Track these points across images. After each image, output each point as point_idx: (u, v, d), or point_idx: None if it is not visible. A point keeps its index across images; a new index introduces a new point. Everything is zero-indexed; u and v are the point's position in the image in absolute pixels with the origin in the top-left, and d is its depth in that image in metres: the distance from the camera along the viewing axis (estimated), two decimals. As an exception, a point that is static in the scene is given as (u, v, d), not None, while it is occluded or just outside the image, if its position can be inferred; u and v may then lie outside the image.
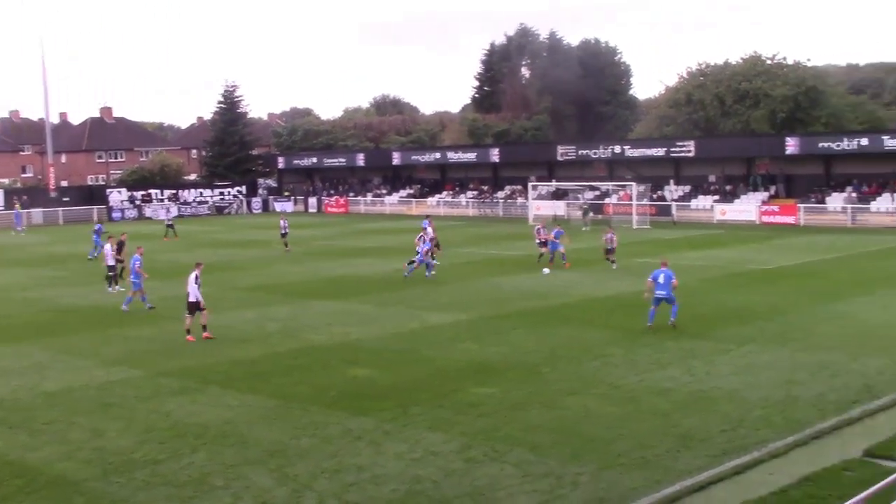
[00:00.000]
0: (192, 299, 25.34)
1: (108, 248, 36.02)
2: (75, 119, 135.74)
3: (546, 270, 38.39)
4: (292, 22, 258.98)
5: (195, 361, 22.93)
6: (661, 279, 25.69)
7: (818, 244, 48.60)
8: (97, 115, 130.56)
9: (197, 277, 25.62)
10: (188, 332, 25.55)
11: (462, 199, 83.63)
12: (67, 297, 34.73)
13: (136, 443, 16.45)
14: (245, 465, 15.20)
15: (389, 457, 15.44)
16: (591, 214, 65.99)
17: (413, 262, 37.36)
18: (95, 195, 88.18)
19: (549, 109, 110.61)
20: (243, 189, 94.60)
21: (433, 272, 37.60)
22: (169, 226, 61.12)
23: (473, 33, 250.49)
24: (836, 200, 64.03)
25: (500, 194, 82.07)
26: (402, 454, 15.53)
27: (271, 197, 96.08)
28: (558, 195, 74.98)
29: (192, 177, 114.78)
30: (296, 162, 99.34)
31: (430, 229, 40.13)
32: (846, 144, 63.20)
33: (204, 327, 25.59)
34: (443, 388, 19.79)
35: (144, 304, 31.03)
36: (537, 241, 40.77)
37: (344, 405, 18.55)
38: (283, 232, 50.75)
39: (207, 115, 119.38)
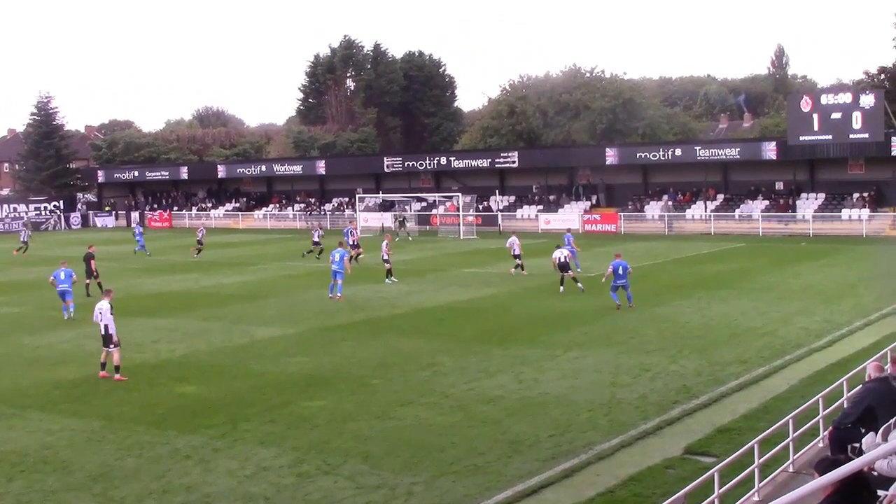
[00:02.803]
0: (102, 332, 22.20)
1: None
2: None
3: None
4: (107, 30, 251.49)
5: (8, 385, 21.88)
6: (620, 270, 30.20)
7: (638, 251, 50.28)
8: None
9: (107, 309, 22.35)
10: (103, 366, 22.24)
11: (289, 211, 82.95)
12: None
13: (-53, 472, 15.58)
14: (67, 491, 14.60)
15: (220, 474, 15.12)
16: (407, 225, 66.56)
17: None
18: None
19: (374, 121, 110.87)
20: (60, 204, 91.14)
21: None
22: (24, 243, 59.08)
23: (297, 44, 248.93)
24: (653, 209, 66.53)
25: (328, 206, 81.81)
26: (232, 471, 15.24)
27: (91, 212, 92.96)
28: (386, 207, 75.28)
29: (5, 191, 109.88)
30: (117, 175, 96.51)
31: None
32: (662, 154, 65.85)
33: (114, 367, 22.06)
34: (273, 402, 19.53)
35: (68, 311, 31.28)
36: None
37: (171, 423, 18.07)
38: (200, 239, 53.70)
39: (20, 127, 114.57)
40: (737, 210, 63.22)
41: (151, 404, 19.68)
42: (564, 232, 45.28)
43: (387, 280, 38.70)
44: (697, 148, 66.05)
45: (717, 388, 19.70)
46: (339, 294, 34.40)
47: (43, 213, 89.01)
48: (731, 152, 63.78)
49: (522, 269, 40.28)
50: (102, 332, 22.19)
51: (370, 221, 71.26)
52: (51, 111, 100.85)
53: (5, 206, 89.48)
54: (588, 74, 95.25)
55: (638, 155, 67.73)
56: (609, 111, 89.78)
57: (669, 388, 19.83)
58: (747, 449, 12.14)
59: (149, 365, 23.68)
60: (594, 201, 70.82)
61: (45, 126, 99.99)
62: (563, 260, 35.31)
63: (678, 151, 65.86)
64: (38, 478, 15.27)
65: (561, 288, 35.03)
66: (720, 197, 65.70)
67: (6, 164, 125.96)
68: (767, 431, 13.00)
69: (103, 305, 22.54)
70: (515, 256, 40.61)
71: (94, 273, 36.93)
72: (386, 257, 39.31)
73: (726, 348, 23.74)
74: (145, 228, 68.67)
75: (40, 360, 24.61)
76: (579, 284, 34.68)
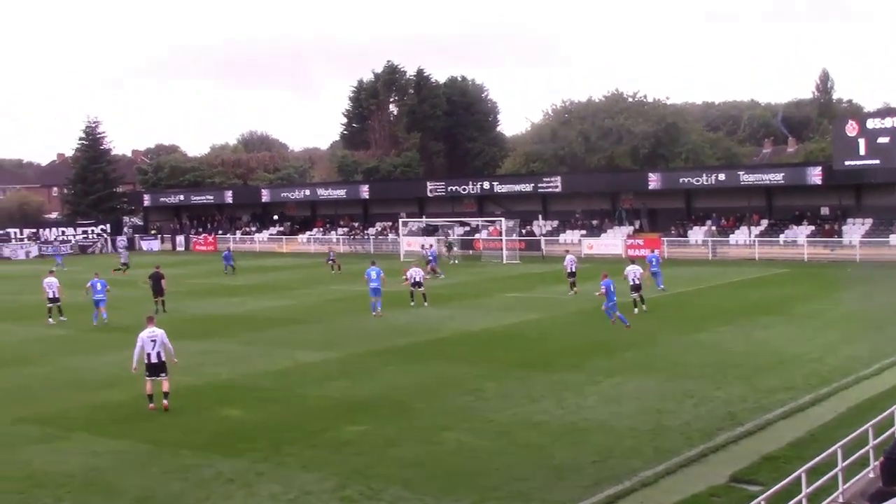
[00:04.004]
0: (155, 360, 21.43)
1: (52, 280, 37.68)
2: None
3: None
4: (152, 58, 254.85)
5: (56, 407, 22.12)
6: (612, 288, 31.50)
7: (681, 276, 49.91)
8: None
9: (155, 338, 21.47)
10: (151, 398, 21.41)
11: (332, 235, 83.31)
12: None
13: (-6, 494, 15.77)
14: (112, 513, 14.72)
15: (263, 498, 15.16)
16: (455, 249, 66.60)
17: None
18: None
19: (417, 146, 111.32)
20: (107, 227, 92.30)
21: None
22: (124, 264, 61.32)
23: (341, 70, 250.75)
24: (696, 234, 66.08)
25: (371, 231, 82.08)
26: (276, 495, 15.26)
27: (137, 235, 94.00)
28: (429, 231, 75.39)
29: (54, 215, 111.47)
30: (162, 199, 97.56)
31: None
32: (705, 179, 65.39)
33: (164, 393, 21.50)
34: (316, 426, 19.57)
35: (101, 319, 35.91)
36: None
37: (215, 447, 18.16)
38: (331, 258, 59.58)
39: (69, 152, 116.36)
40: (781, 235, 62.61)
41: (195, 428, 19.81)
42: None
43: (425, 304, 39.04)
44: (741, 173, 65.52)
45: (763, 415, 19.46)
46: (379, 310, 36.32)
47: (90, 236, 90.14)
48: (776, 177, 63.25)
49: (574, 287, 41.62)
50: (155, 361, 21.31)
51: (413, 246, 71.23)
52: (98, 136, 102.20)
53: (54, 229, 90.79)
54: (630, 99, 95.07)
55: (681, 180, 67.37)
56: (652, 136, 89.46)
57: (714, 414, 19.63)
58: (794, 478, 11.97)
59: (192, 388, 23.81)
60: (637, 226, 70.52)
61: (92, 150, 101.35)
62: (636, 281, 35.30)
63: (721, 176, 65.42)
64: (83, 499, 15.41)
65: (636, 309, 35.10)
66: (764, 222, 65.11)
67: (55, 188, 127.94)
68: (815, 460, 12.81)
69: (162, 332, 21.76)
70: (570, 274, 41.88)
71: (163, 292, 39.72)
72: (419, 280, 39.54)
73: (771, 375, 23.47)
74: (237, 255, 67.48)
75: (86, 383, 24.87)
76: (636, 309, 34.91)
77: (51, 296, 37.15)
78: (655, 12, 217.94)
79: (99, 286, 36.32)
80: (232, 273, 58.32)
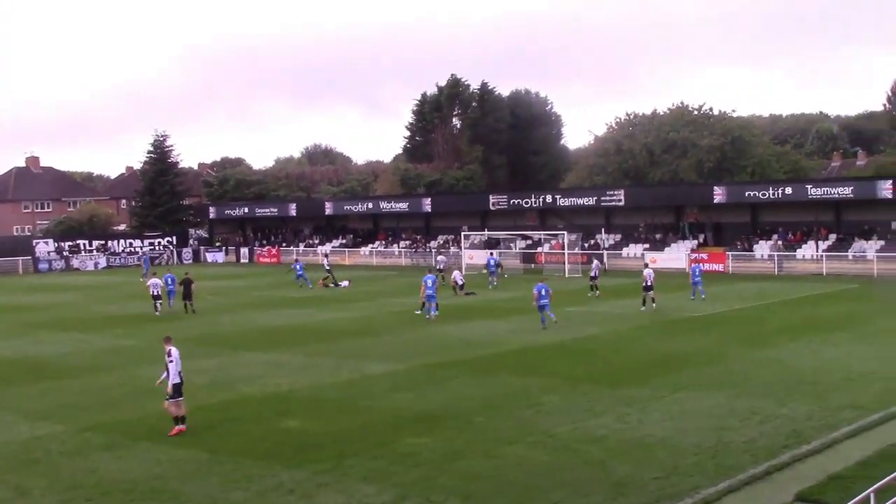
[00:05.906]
0: (176, 380, 20.60)
1: (156, 281, 44.97)
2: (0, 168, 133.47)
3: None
4: (219, 72, 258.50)
5: (122, 416, 22.45)
6: (542, 292, 35.76)
7: (747, 291, 49.34)
8: (23, 164, 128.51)
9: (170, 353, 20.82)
10: (178, 421, 20.54)
11: (395, 248, 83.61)
12: (-9, 351, 33.91)
13: (62, 501, 16.00)
14: (175, 521, 14.85)
15: (323, 510, 15.21)
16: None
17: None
18: (21, 246, 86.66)
19: (480, 159, 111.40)
20: (174, 239, 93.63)
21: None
22: (328, 271, 60.44)
23: (404, 84, 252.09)
24: (762, 248, 65.21)
25: (433, 244, 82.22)
26: (336, 507, 15.31)
27: (202, 247, 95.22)
28: (491, 244, 75.31)
29: (122, 227, 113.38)
30: (227, 212, 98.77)
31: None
32: (772, 193, 64.48)
33: (181, 417, 20.68)
34: (378, 438, 19.60)
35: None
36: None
37: (277, 457, 18.27)
38: (328, 269, 60.47)
39: (137, 165, 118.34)
40: (850, 250, 61.50)
41: (257, 438, 19.95)
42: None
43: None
44: (809, 186, 64.46)
45: (830, 433, 19.07)
46: (433, 315, 39.29)
47: (157, 248, 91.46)
48: (845, 191, 62.08)
49: (596, 290, 47.45)
50: (177, 381, 20.52)
51: (475, 259, 71.16)
52: (166, 149, 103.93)
53: (122, 241, 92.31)
54: (696, 112, 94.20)
55: (747, 193, 66.53)
56: (717, 149, 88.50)
57: (779, 432, 19.30)
58: (863, 498, 11.73)
59: (254, 399, 24.04)
60: (701, 240, 69.78)
61: (160, 164, 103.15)
62: (648, 282, 40.96)
63: (788, 190, 64.46)
64: (148, 508, 15.59)
65: (644, 307, 40.76)
66: (832, 237, 64.03)
67: (123, 201, 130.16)
68: (885, 480, 12.54)
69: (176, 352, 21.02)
70: (591, 278, 48.12)
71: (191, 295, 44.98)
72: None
73: (840, 393, 23.03)
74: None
75: (151, 392, 25.11)
76: (643, 307, 40.67)
77: (155, 294, 44.28)
78: (720, 24, 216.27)
79: (169, 280, 46.15)
80: (289, 274, 60.52)
